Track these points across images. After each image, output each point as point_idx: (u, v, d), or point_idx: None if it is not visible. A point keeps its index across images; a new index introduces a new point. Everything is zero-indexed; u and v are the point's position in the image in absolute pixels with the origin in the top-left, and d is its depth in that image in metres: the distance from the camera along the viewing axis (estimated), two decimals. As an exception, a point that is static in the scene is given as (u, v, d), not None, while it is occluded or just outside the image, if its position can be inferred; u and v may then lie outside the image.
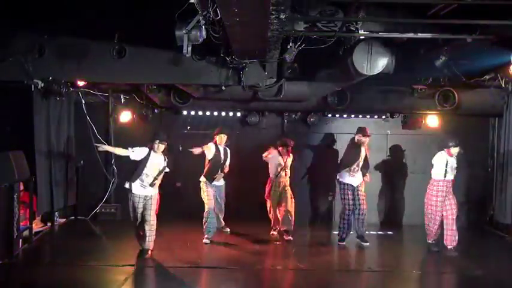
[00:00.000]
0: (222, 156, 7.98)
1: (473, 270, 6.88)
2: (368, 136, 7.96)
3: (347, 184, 7.91)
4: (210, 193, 7.86)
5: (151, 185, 7.00)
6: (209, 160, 7.94)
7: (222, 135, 8.00)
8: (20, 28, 7.12)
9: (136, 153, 6.96)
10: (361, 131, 7.96)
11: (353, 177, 7.91)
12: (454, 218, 7.45)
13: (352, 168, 7.89)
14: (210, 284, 6.58)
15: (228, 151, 8.12)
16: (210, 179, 7.90)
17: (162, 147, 7.01)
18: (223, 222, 8.48)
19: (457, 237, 7.43)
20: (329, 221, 9.67)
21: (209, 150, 7.90)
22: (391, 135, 9.91)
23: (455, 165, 7.54)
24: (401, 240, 8.45)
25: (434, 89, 8.77)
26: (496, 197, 8.95)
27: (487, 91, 8.83)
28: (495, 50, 6.57)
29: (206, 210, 7.79)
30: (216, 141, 7.98)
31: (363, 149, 7.98)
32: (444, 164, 7.42)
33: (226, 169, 8.07)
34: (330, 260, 7.39)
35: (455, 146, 7.42)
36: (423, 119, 9.70)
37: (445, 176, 7.41)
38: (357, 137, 7.97)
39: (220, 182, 8.17)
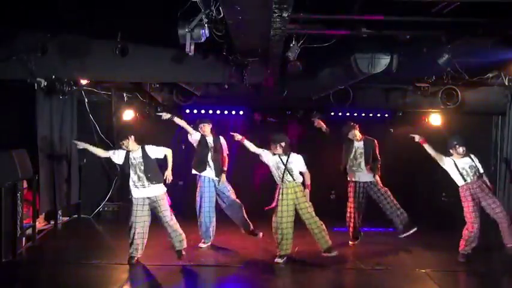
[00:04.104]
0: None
1: (477, 268, 6.88)
2: (353, 129, 7.93)
3: (350, 181, 7.99)
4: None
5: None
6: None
7: (205, 124, 7.71)
8: (22, 27, 7.12)
9: (117, 155, 6.75)
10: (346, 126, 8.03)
11: (358, 173, 7.93)
12: (502, 215, 6.96)
13: (350, 164, 7.94)
14: (212, 282, 6.60)
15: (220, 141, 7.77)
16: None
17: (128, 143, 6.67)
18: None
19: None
20: (330, 220, 9.64)
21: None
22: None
23: (473, 164, 7.07)
24: (405, 239, 8.43)
25: (437, 87, 8.76)
26: (499, 196, 8.94)
27: (491, 89, 8.82)
28: (498, 48, 6.55)
29: None
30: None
31: (356, 144, 7.98)
32: (454, 169, 7.07)
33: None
34: (332, 259, 7.38)
35: (460, 144, 7.07)
36: (426, 117, 9.70)
37: (464, 180, 7.04)
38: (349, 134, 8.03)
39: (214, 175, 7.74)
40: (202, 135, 7.75)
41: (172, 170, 6.88)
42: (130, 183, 6.72)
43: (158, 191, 6.77)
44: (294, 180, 6.94)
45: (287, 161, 6.93)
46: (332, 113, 9.76)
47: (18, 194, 7.00)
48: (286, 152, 6.96)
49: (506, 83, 8.38)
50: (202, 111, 9.76)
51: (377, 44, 6.64)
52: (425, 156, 9.35)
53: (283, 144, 6.92)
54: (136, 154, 6.73)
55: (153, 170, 6.75)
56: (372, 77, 7.19)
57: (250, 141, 7.15)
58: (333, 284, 6.56)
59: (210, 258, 7.24)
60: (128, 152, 6.74)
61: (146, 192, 6.71)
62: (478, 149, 9.42)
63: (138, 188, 6.70)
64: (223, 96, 9.03)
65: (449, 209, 8.73)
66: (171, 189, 8.40)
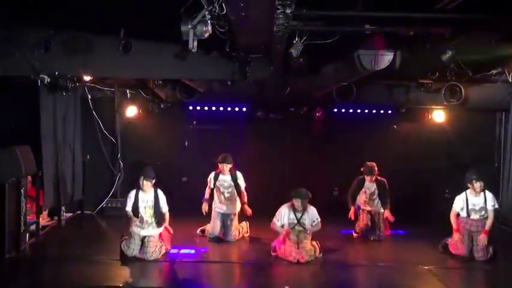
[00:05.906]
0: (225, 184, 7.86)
1: (480, 264, 6.88)
2: (369, 174, 8.05)
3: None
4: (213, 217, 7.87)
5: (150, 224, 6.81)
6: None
7: (225, 164, 7.77)
8: (26, 23, 7.13)
9: (129, 204, 6.83)
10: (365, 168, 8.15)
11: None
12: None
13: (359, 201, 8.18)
14: (216, 278, 6.61)
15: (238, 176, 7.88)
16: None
17: (148, 184, 6.79)
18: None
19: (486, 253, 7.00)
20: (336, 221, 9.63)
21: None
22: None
23: (484, 206, 7.02)
24: (407, 237, 8.44)
25: (441, 83, 8.74)
26: (503, 192, 8.92)
27: (494, 86, 8.80)
28: (502, 44, 6.53)
29: None
30: (218, 170, 7.88)
31: (367, 184, 8.14)
32: (463, 203, 7.07)
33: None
34: (336, 256, 7.39)
35: (477, 179, 6.96)
36: (429, 113, 9.68)
37: (468, 216, 7.08)
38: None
39: (224, 209, 7.91)
40: (215, 174, 7.85)
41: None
42: (133, 223, 6.79)
43: (156, 232, 6.87)
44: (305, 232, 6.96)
45: (301, 217, 6.99)
46: (335, 110, 9.74)
47: (21, 190, 7.02)
48: (304, 208, 6.99)
49: (510, 80, 8.35)
50: (206, 108, 9.75)
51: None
52: (428, 153, 9.42)
53: (305, 201, 6.97)
54: (148, 197, 6.82)
55: (161, 213, 6.84)
56: (375, 74, 7.18)
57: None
58: (335, 281, 6.55)
59: (214, 254, 7.24)
60: (137, 194, 6.81)
61: (145, 231, 6.82)
62: (482, 145, 9.46)
63: (139, 227, 6.79)
64: (226, 93, 9.03)
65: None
66: (175, 186, 8.44)
